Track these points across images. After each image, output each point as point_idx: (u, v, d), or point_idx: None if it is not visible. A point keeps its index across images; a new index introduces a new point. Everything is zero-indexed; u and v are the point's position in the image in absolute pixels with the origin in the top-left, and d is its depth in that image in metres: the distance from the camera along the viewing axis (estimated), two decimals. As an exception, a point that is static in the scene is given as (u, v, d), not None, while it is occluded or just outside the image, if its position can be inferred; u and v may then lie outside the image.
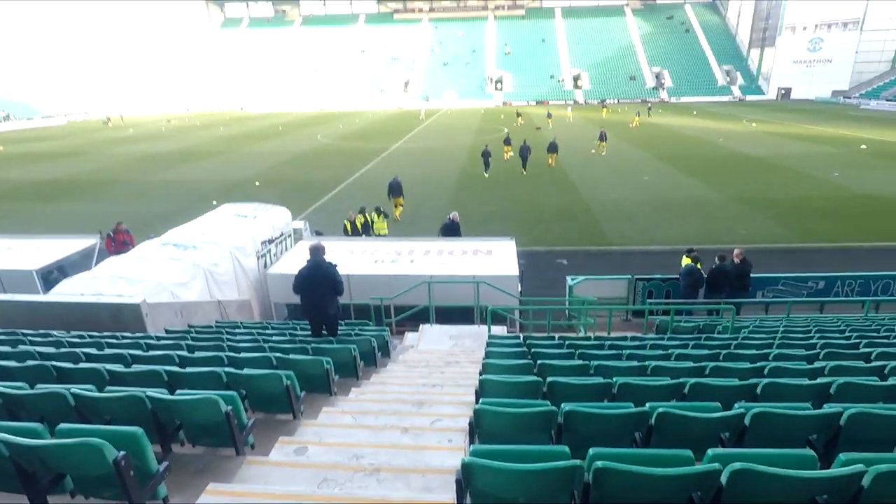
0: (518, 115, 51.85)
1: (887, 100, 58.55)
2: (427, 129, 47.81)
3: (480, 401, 3.74)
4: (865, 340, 6.78)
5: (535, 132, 40.55)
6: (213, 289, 9.90)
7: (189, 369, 4.88)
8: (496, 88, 79.01)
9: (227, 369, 4.76)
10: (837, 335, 7.45)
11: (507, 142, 30.44)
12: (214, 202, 16.38)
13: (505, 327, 10.05)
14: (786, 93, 73.49)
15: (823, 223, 17.16)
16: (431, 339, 9.26)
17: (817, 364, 5.04)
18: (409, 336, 9.69)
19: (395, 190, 18.76)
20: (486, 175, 25.90)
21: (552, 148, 27.83)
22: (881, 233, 16.02)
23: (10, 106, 67.82)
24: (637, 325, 11.02)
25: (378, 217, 15.61)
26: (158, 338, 7.16)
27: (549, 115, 49.78)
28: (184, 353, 5.87)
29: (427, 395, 5.62)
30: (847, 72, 70.98)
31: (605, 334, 9.00)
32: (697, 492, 2.47)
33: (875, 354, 5.70)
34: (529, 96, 76.52)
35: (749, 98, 73.16)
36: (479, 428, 3.58)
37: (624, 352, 6.07)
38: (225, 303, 10.08)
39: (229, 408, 3.72)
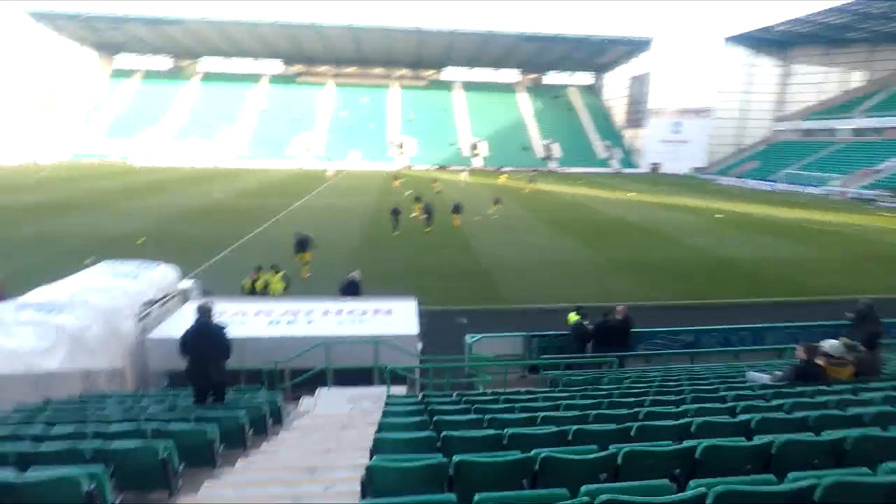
0: (395, 178, 50.85)
1: (736, 177, 68.76)
2: (329, 189, 47.76)
3: (374, 458, 3.70)
4: (725, 385, 7.63)
5: (436, 195, 42.04)
6: (80, 356, 8.87)
7: (45, 446, 4.32)
8: (399, 152, 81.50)
9: (91, 443, 4.29)
10: (703, 382, 8.28)
11: (418, 199, 31.28)
12: (87, 261, 14.87)
13: (405, 387, 9.97)
14: (656, 167, 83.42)
15: (689, 283, 19.28)
16: (329, 402, 8.93)
17: (683, 407, 5.57)
18: (305, 401, 9.26)
19: (302, 245, 18.45)
20: (396, 233, 26.28)
21: (456, 209, 29.18)
22: (737, 291, 18.28)
23: None
24: (533, 380, 11.43)
25: (275, 276, 15.06)
26: (6, 416, 6.26)
27: (436, 180, 51.11)
28: (38, 430, 5.19)
29: (320, 461, 5.40)
30: (703, 151, 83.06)
31: (502, 390, 9.24)
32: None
33: (731, 397, 6.41)
34: (432, 160, 79.65)
35: (626, 171, 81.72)
36: (372, 485, 3.52)
37: (517, 405, 6.29)
38: (94, 372, 9.06)
39: (93, 486, 3.35)
